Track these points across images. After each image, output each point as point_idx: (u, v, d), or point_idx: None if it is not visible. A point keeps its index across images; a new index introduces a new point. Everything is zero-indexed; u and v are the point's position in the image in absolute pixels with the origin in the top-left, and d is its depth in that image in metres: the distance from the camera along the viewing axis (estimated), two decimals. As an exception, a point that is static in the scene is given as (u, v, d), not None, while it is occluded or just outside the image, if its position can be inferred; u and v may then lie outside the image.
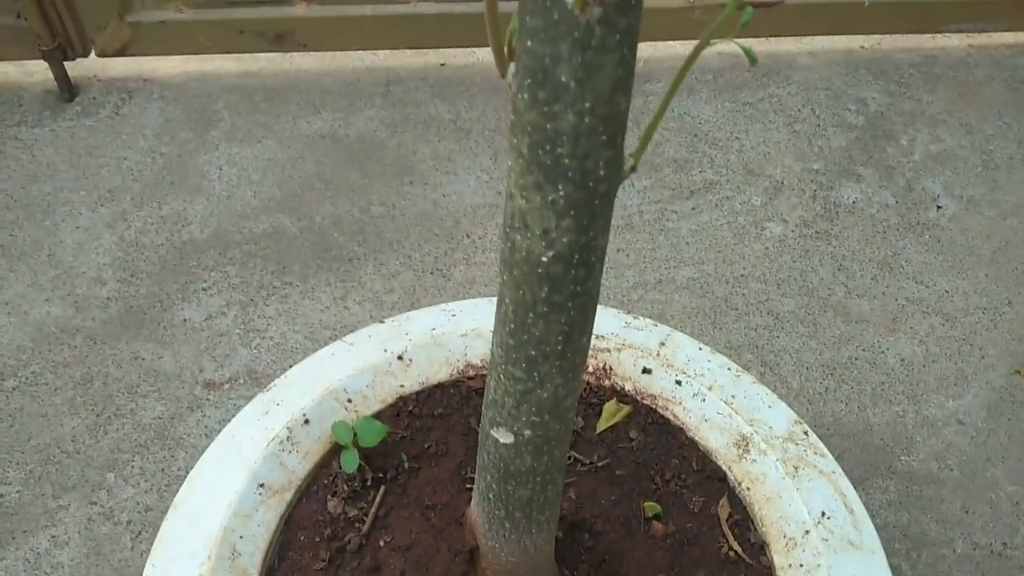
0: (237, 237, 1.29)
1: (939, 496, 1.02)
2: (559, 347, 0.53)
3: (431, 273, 1.25)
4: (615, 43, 0.39)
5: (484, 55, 1.59)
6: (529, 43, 0.40)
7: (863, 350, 1.16)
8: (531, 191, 0.45)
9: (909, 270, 1.26)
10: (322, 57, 1.58)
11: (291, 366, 1.13)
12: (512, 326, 0.52)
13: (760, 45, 1.61)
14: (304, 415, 0.84)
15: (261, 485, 0.80)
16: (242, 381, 1.12)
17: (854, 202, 1.36)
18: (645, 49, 1.60)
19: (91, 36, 1.48)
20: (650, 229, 1.31)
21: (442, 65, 1.58)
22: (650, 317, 1.20)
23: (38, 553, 0.96)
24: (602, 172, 0.44)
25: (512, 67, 0.44)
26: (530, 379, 0.55)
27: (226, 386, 1.12)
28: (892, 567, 0.95)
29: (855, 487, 1.01)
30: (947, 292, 1.24)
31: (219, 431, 1.06)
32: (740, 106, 1.51)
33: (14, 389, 1.11)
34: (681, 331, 1.17)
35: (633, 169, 0.46)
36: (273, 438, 0.82)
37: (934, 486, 1.03)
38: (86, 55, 1.50)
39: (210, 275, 1.24)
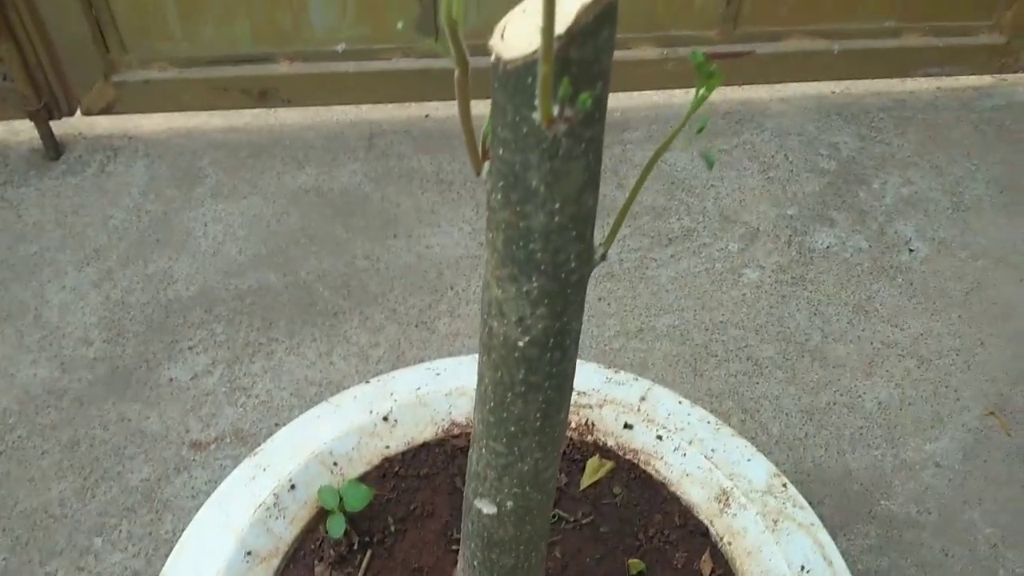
0: (223, 294, 1.30)
1: (919, 540, 1.04)
2: (537, 423, 0.54)
3: (416, 326, 1.26)
4: (580, 152, 0.41)
5: (464, 107, 1.62)
6: (501, 151, 0.42)
7: (840, 395, 1.19)
8: (506, 282, 0.47)
9: (884, 313, 1.29)
10: (305, 112, 1.61)
11: (277, 424, 1.14)
12: (492, 404, 0.54)
13: (733, 93, 1.65)
14: (291, 480, 0.85)
15: (248, 552, 0.80)
16: (228, 440, 1.13)
17: (828, 247, 1.39)
18: (621, 99, 1.64)
19: (77, 96, 1.50)
20: (630, 277, 1.34)
21: (426, 117, 1.61)
22: (632, 366, 1.22)
23: (25, 622, 0.96)
24: (573, 264, 0.46)
25: (486, 165, 0.46)
26: (511, 453, 0.57)
27: (212, 446, 1.12)
28: (875, 613, 0.97)
29: (836, 533, 1.03)
30: (921, 335, 1.26)
31: (206, 491, 1.07)
32: (715, 153, 1.55)
33: (0, 454, 1.11)
34: (663, 379, 1.20)
35: (603, 258, 0.49)
36: (260, 504, 0.83)
37: (913, 530, 1.05)
38: (72, 114, 1.52)
39: (196, 333, 1.25)
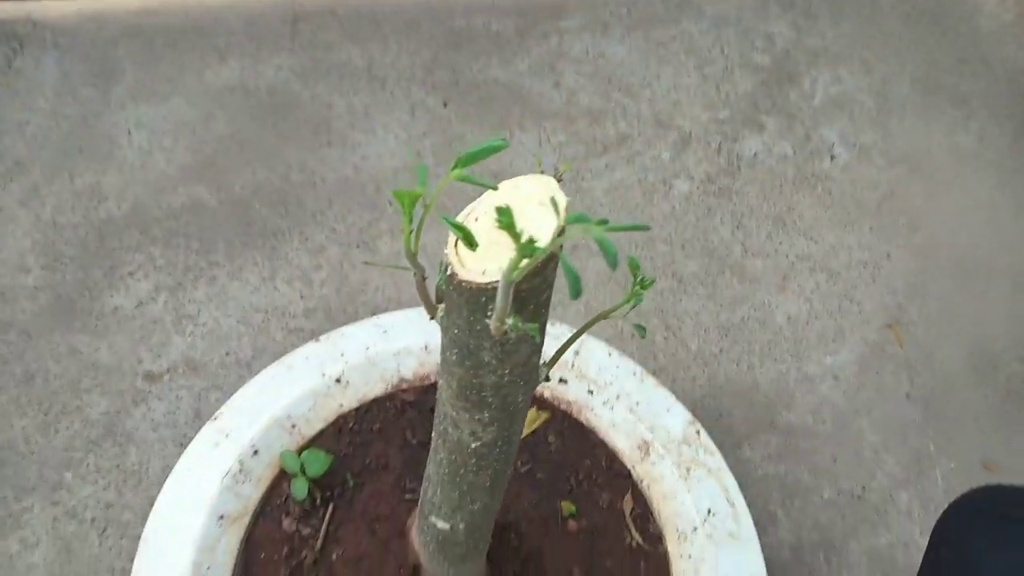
0: (156, 212, 1.29)
1: (813, 448, 1.19)
2: (487, 485, 0.62)
3: (357, 247, 1.29)
4: (528, 339, 0.45)
5: (395, -10, 1.54)
6: (456, 332, 0.46)
7: (755, 310, 1.29)
8: (461, 411, 0.52)
9: (801, 225, 1.37)
10: (224, -6, 1.51)
11: (227, 354, 1.19)
12: (446, 474, 0.61)
13: (673, -25, 1.60)
14: (253, 446, 0.92)
15: (221, 517, 0.89)
16: (181, 371, 1.18)
17: (755, 154, 1.43)
18: (559, -19, 1.58)
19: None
20: (567, 189, 1.36)
21: (351, -1, 1.53)
22: (566, 287, 1.29)
23: (10, 556, 1.04)
24: (520, 399, 0.52)
25: (440, 309, 0.50)
26: (463, 499, 0.64)
27: (166, 377, 1.17)
28: (768, 514, 1.13)
29: (742, 442, 1.17)
30: (833, 247, 1.36)
31: (166, 423, 1.14)
32: (653, 46, 1.53)
33: (-44, 392, 1.14)
34: (595, 298, 1.27)
35: (546, 378, 0.54)
36: (227, 472, 0.90)
37: (809, 438, 1.19)
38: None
39: (134, 257, 1.26)
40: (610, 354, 1.02)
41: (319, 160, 1.36)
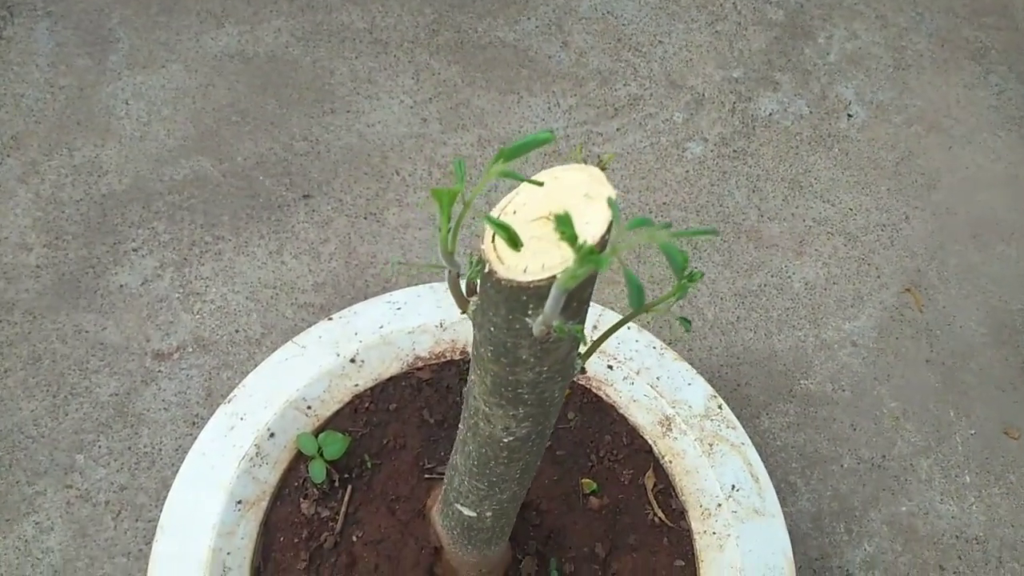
0: (158, 186, 1.26)
1: (832, 416, 1.17)
2: (516, 476, 0.60)
3: (364, 218, 1.26)
4: (571, 337, 0.43)
5: (395, -51, 1.48)
6: (492, 329, 0.44)
7: (772, 276, 1.27)
8: (494, 407, 0.50)
9: (817, 188, 1.34)
10: (218, -44, 1.46)
11: (236, 331, 1.17)
12: (475, 465, 0.59)
13: (683, -73, 1.55)
14: (269, 429, 0.90)
15: (239, 502, 0.88)
16: (191, 349, 1.16)
17: (770, 114, 1.40)
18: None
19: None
20: (577, 155, 1.33)
21: (350, -41, 1.48)
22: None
23: (26, 540, 1.04)
24: (556, 395, 0.49)
25: (472, 303, 0.47)
26: (491, 489, 0.63)
27: (175, 355, 1.15)
28: (789, 485, 1.12)
29: (760, 412, 1.16)
30: (851, 210, 1.33)
31: (178, 403, 1.12)
32: (663, 2, 1.48)
33: (-38, 375, 1.12)
34: (610, 269, 1.25)
35: (583, 370, 0.52)
36: (243, 456, 0.89)
37: (828, 407, 1.18)
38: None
39: (137, 233, 1.23)
40: (629, 328, 0.99)
41: (322, 128, 1.33)
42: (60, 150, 1.28)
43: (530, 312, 0.40)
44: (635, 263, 1.24)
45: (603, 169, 0.39)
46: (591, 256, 0.28)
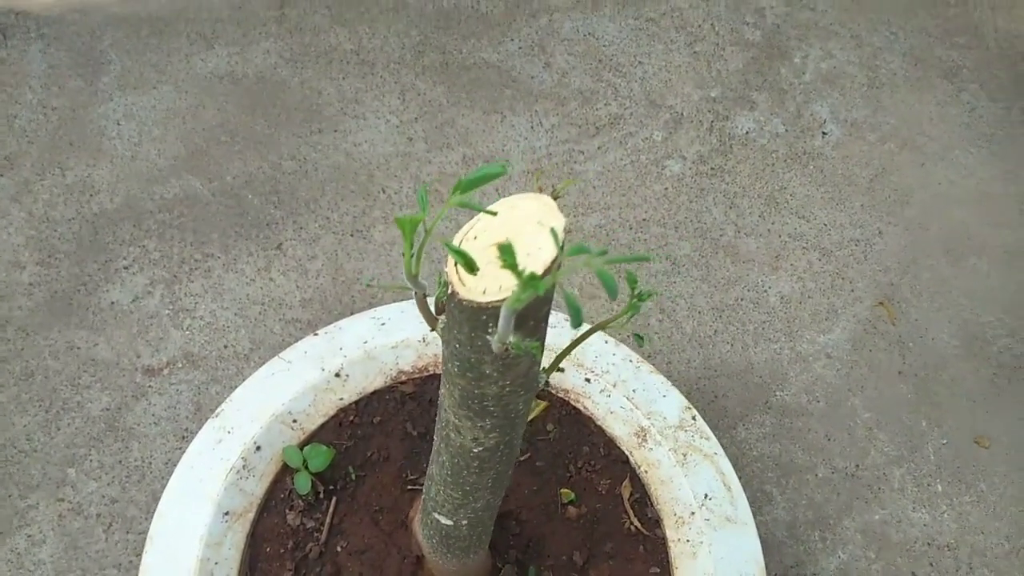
0: (149, 205, 1.29)
1: (807, 427, 1.20)
2: (489, 484, 0.63)
3: (351, 235, 1.29)
4: (529, 354, 0.46)
5: (382, -28, 1.52)
6: (457, 345, 0.47)
7: (748, 290, 1.30)
8: (463, 419, 0.53)
9: (793, 204, 1.38)
10: (208, -21, 1.49)
11: (226, 347, 1.20)
12: (448, 475, 0.62)
13: (663, -49, 1.59)
14: (255, 443, 0.93)
15: (226, 513, 0.90)
16: (180, 365, 1.18)
17: (747, 132, 1.43)
18: (548, -41, 1.56)
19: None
20: (559, 173, 1.37)
21: (338, -18, 1.52)
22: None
23: (18, 553, 1.06)
24: (521, 407, 0.52)
25: (440, 321, 0.50)
26: (465, 498, 0.65)
27: (165, 371, 1.18)
28: (764, 494, 1.15)
29: (736, 423, 1.19)
30: (826, 226, 1.36)
31: (168, 418, 1.15)
32: (643, 23, 1.52)
33: (-45, 391, 1.15)
34: (590, 283, 1.28)
35: (546, 384, 0.55)
36: (231, 469, 0.91)
37: (803, 418, 1.21)
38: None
39: (128, 251, 1.26)
40: (606, 342, 1.02)
41: (310, 147, 1.36)
42: (53, 170, 1.30)
43: (490, 330, 0.43)
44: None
45: (556, 199, 0.42)
46: (532, 281, 0.31)
